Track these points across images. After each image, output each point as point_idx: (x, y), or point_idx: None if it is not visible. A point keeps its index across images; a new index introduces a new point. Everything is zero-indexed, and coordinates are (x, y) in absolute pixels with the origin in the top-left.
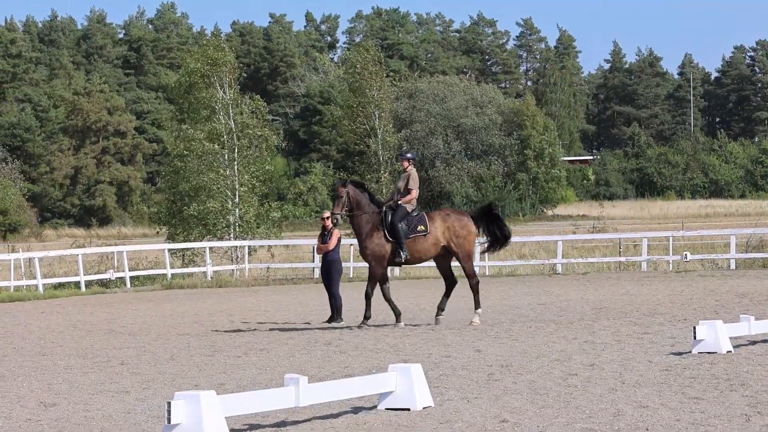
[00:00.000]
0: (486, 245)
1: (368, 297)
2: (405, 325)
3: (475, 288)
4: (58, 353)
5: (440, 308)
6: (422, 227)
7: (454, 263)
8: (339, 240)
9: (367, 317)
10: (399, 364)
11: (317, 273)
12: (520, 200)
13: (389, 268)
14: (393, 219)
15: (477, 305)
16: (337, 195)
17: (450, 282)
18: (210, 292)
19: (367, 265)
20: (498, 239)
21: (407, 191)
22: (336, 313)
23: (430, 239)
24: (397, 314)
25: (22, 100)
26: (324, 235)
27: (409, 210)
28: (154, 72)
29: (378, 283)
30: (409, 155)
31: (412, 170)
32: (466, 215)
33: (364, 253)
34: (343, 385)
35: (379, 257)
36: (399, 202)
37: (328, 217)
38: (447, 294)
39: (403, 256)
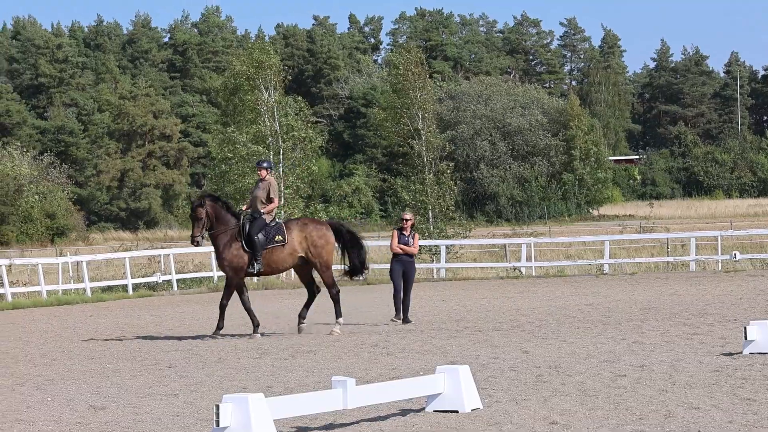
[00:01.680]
0: (345, 271)
1: (222, 308)
2: (262, 335)
3: (335, 298)
4: (106, 356)
5: (301, 316)
6: (280, 237)
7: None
8: None
9: (219, 327)
10: (447, 365)
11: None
12: (564, 200)
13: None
14: (250, 230)
15: (338, 315)
16: (196, 216)
17: (311, 291)
18: (256, 294)
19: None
20: (356, 268)
21: (269, 200)
22: (405, 314)
23: (287, 249)
24: (256, 324)
25: (69, 105)
26: (403, 236)
27: (268, 220)
28: (199, 75)
29: (237, 293)
30: (265, 164)
31: (272, 179)
32: (325, 225)
33: (221, 264)
34: (390, 387)
35: (236, 268)
36: (262, 213)
37: (409, 219)
38: (308, 303)
39: (257, 268)
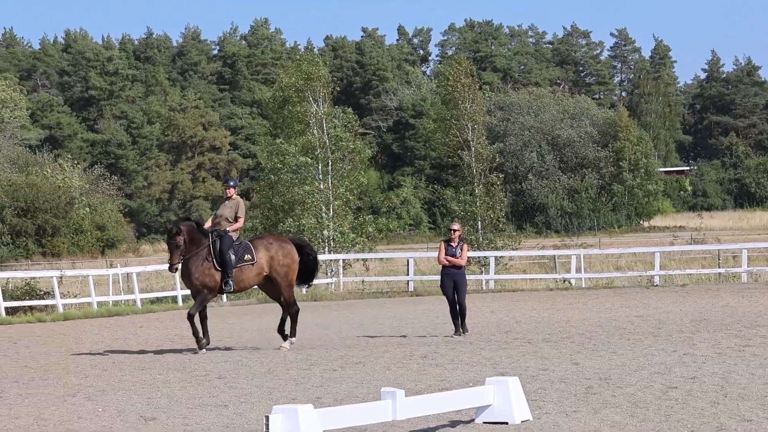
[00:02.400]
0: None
1: (192, 317)
2: (205, 351)
3: (294, 317)
4: (156, 367)
5: (282, 332)
6: (249, 256)
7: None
8: None
9: (200, 340)
10: (496, 377)
11: (412, 286)
12: (614, 212)
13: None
14: (221, 248)
15: (293, 333)
16: (175, 244)
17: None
18: (305, 306)
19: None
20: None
21: (236, 219)
22: (462, 323)
23: (255, 269)
24: (199, 341)
25: (119, 117)
26: (451, 247)
27: (234, 238)
28: (248, 87)
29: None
30: (232, 182)
31: (239, 198)
32: (289, 242)
33: (193, 283)
34: (440, 399)
35: (211, 287)
36: (228, 231)
37: (457, 230)
38: (284, 319)
39: (231, 286)
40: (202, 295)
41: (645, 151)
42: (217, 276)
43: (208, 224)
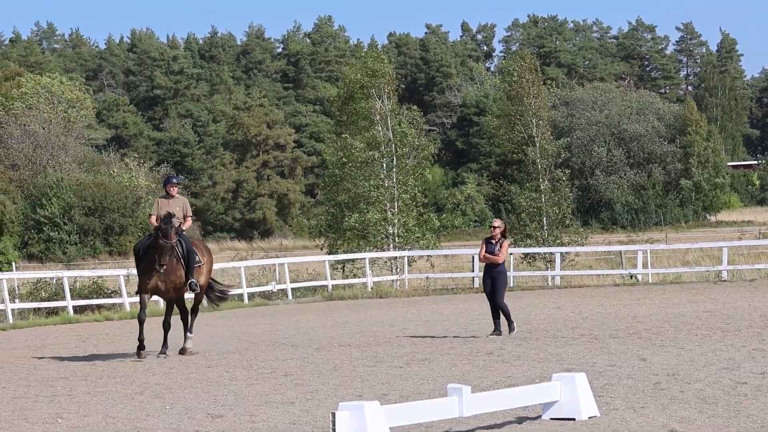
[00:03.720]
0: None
1: (167, 328)
2: (166, 356)
3: (192, 319)
4: (223, 365)
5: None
6: (198, 258)
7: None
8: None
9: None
10: (563, 373)
11: (477, 283)
12: (681, 207)
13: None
14: (188, 247)
15: (191, 330)
16: (170, 245)
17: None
18: (371, 303)
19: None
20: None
21: (184, 218)
22: (509, 322)
23: (204, 270)
24: (165, 344)
25: (184, 116)
26: (491, 244)
27: None
28: (313, 85)
29: (167, 309)
30: (175, 180)
31: (183, 197)
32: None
33: (170, 285)
34: (506, 395)
35: (179, 288)
36: (183, 230)
37: (498, 227)
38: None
39: (197, 287)
40: (174, 299)
41: (714, 146)
42: (184, 276)
43: (154, 223)
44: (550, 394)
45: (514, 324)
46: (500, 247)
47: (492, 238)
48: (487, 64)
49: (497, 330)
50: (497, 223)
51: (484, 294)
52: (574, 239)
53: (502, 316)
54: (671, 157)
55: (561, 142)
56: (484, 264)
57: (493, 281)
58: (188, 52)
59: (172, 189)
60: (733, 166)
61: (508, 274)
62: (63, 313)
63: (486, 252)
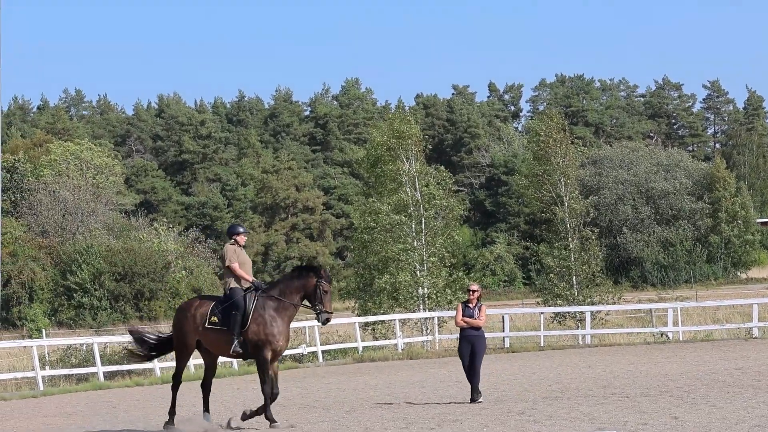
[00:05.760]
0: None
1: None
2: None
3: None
4: (259, 427)
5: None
6: None
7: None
8: None
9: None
10: None
11: (507, 342)
12: (710, 263)
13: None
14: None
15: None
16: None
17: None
18: (401, 364)
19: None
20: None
21: None
22: (474, 388)
23: None
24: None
25: (213, 180)
26: (468, 308)
27: None
28: (340, 147)
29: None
30: (242, 229)
31: None
32: None
33: (283, 348)
34: None
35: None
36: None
37: (476, 290)
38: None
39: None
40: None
41: (743, 202)
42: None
43: (238, 271)
44: None
45: (481, 395)
46: (479, 310)
47: (469, 302)
48: (514, 124)
49: (476, 394)
50: (474, 287)
51: (514, 353)
52: (605, 298)
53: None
54: (700, 214)
55: (590, 200)
56: (461, 329)
57: (473, 347)
58: (216, 116)
59: (241, 239)
60: (762, 223)
61: (502, 335)
62: (93, 379)
63: (464, 315)
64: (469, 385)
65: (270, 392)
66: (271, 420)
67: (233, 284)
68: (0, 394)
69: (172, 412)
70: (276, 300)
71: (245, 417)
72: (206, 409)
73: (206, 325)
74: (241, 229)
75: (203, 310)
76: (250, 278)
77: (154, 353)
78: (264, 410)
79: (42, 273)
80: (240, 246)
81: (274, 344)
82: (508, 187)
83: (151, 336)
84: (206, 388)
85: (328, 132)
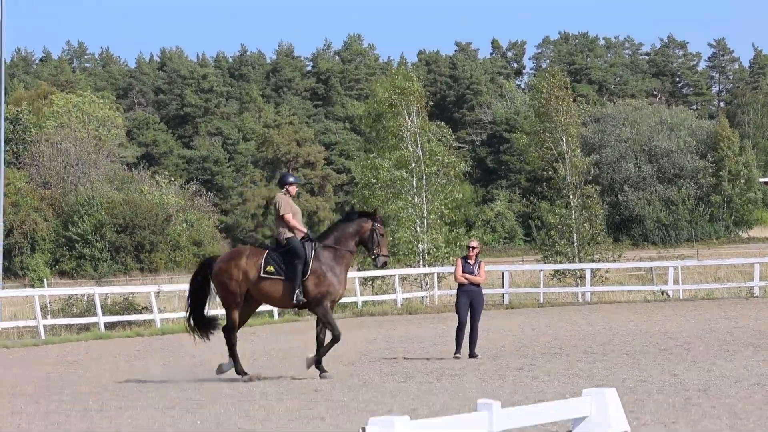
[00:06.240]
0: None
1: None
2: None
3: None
4: (253, 380)
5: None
6: None
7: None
8: None
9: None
10: (593, 388)
11: (507, 299)
12: (712, 222)
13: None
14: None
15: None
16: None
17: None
18: (400, 319)
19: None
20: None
21: None
22: (472, 346)
23: None
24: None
25: (214, 134)
26: (468, 264)
27: None
28: (342, 103)
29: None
30: (292, 179)
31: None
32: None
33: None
34: (536, 411)
35: None
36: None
37: (476, 247)
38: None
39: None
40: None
41: (746, 161)
42: None
43: (292, 221)
44: (580, 409)
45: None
46: (479, 267)
47: (468, 257)
48: (517, 81)
49: (459, 350)
50: (474, 243)
51: (513, 309)
52: (606, 256)
53: (466, 338)
54: (702, 173)
55: (591, 158)
56: (459, 285)
57: (473, 303)
58: (218, 70)
59: (293, 189)
60: (765, 182)
61: (502, 291)
62: (94, 329)
63: (465, 272)
64: (456, 342)
65: (339, 336)
66: (322, 368)
67: (288, 234)
68: (2, 342)
69: (239, 369)
70: (332, 249)
71: (310, 365)
72: (231, 355)
73: (261, 274)
74: (292, 179)
75: (256, 259)
76: (304, 229)
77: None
78: (322, 355)
79: (44, 224)
80: (291, 196)
81: (334, 294)
82: (509, 145)
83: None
84: (233, 336)
85: (329, 87)
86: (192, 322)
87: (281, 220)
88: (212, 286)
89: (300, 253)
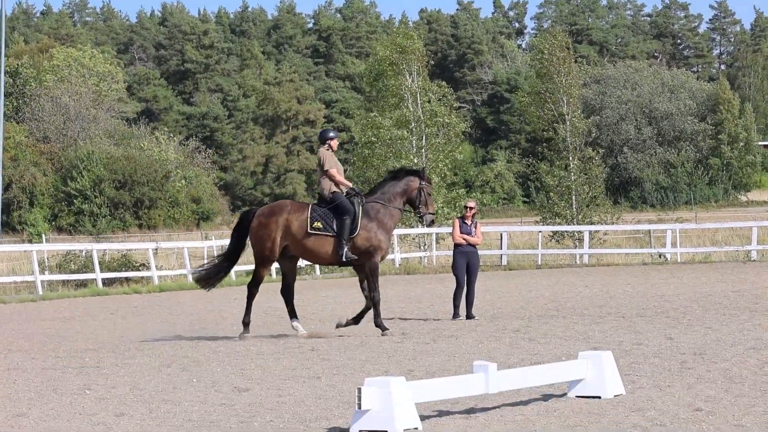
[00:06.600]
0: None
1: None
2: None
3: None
4: (250, 339)
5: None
6: None
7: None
8: None
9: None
10: (589, 351)
11: (505, 260)
12: (711, 186)
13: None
14: None
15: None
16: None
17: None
18: (398, 279)
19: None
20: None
21: None
22: (469, 308)
23: None
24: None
25: (214, 90)
26: (465, 225)
27: None
28: (343, 61)
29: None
30: (332, 134)
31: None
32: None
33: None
34: (532, 373)
35: None
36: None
37: (473, 207)
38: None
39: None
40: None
41: (746, 124)
42: None
43: (337, 176)
44: (576, 372)
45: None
46: (475, 228)
47: (465, 218)
48: (518, 41)
49: (458, 313)
50: (472, 203)
51: (511, 270)
52: (604, 219)
53: (463, 299)
54: (702, 135)
55: (591, 120)
56: (455, 245)
57: (470, 264)
58: (219, 26)
59: (334, 143)
60: (765, 146)
61: (500, 252)
62: (92, 285)
63: (462, 232)
64: (454, 304)
65: (378, 297)
66: (383, 327)
67: (333, 189)
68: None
69: (247, 320)
70: (381, 205)
71: (340, 326)
72: (293, 316)
73: (309, 230)
74: (332, 134)
75: (301, 215)
76: (349, 183)
77: (223, 273)
78: (360, 318)
79: (43, 178)
80: (333, 150)
81: (383, 252)
82: (510, 105)
83: (212, 267)
84: (289, 295)
85: (330, 45)
86: (212, 271)
87: (326, 174)
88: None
89: (349, 209)
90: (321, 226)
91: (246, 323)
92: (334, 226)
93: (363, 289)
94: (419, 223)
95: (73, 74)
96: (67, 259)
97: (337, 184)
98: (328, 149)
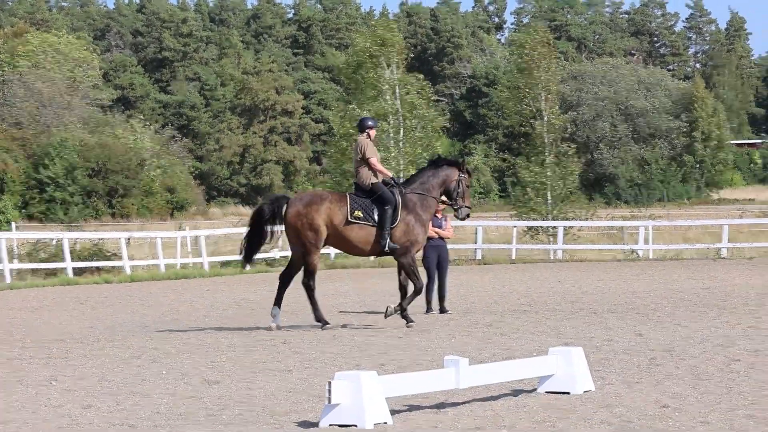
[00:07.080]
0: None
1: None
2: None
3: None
4: (221, 331)
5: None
6: None
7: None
8: None
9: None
10: (560, 347)
11: (480, 254)
12: (684, 183)
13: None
14: None
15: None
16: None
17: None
18: (372, 272)
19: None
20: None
21: None
22: (441, 302)
23: None
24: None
25: (192, 79)
26: (436, 218)
27: None
28: (322, 52)
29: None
30: (371, 123)
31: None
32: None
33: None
34: (503, 368)
35: None
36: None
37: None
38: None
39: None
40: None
41: (718, 123)
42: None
43: (379, 166)
44: (547, 367)
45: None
46: (446, 221)
47: (437, 212)
48: (497, 36)
49: (431, 307)
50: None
51: (486, 265)
52: (579, 214)
53: (435, 294)
54: (676, 133)
55: (568, 116)
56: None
57: (441, 257)
58: (198, 14)
59: (373, 132)
60: (738, 144)
61: (476, 246)
62: (62, 274)
63: (434, 226)
64: (426, 298)
65: (421, 288)
66: (408, 318)
67: (373, 178)
68: None
69: (318, 316)
70: (420, 195)
71: (389, 315)
72: (277, 303)
73: (350, 219)
74: (372, 122)
75: (341, 204)
76: (389, 173)
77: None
78: (405, 306)
79: (14, 165)
80: (371, 139)
81: (421, 243)
82: (488, 99)
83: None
84: (285, 283)
85: (310, 36)
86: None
87: (366, 163)
88: (267, 229)
89: (390, 199)
90: (361, 215)
91: (320, 319)
92: (375, 216)
93: (401, 281)
94: (455, 216)
95: (48, 60)
96: (37, 248)
97: (377, 173)
98: (367, 137)
